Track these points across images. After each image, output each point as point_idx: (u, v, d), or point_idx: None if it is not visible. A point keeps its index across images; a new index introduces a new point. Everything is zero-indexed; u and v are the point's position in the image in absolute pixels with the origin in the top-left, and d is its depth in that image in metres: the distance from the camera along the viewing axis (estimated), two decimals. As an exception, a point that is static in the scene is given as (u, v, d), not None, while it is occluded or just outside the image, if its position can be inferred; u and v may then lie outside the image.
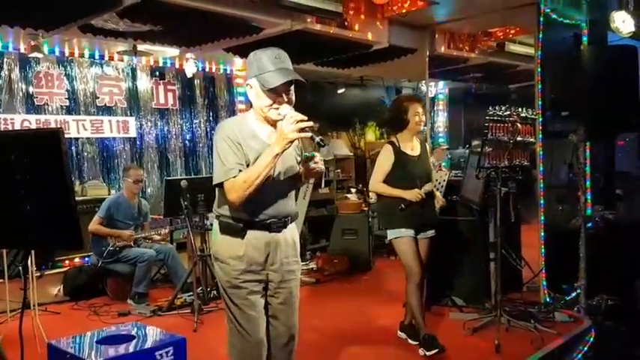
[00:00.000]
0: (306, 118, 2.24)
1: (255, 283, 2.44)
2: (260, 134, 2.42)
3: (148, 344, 2.11)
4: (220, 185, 2.36)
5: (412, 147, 3.94)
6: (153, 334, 2.28)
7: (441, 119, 11.17)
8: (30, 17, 4.42)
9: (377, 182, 3.93)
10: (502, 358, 3.79)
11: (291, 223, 2.55)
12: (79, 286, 5.47)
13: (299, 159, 2.54)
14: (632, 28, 4.41)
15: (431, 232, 3.96)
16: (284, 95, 2.35)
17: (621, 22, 4.36)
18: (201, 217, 5.06)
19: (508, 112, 3.94)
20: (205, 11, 4.51)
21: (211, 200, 2.59)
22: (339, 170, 8.99)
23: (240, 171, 2.31)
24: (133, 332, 2.24)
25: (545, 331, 4.15)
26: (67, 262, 6.02)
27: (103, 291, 5.53)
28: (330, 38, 5.46)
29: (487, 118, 3.85)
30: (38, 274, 5.25)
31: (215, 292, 5.23)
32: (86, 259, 5.99)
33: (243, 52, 5.93)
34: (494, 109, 3.87)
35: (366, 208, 7.03)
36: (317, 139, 2.26)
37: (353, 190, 7.62)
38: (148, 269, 5.36)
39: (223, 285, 2.47)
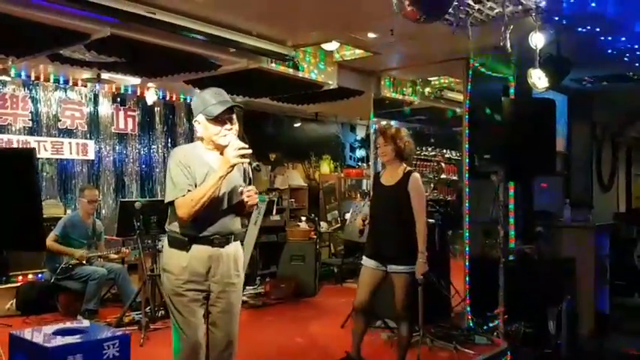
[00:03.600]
0: (247, 146, 2.67)
1: (196, 292, 2.76)
2: (207, 159, 2.81)
3: (98, 337, 2.45)
4: (171, 203, 2.73)
5: (392, 177, 3.93)
6: (102, 330, 2.61)
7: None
8: (3, 45, 4.69)
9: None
10: (422, 373, 4.22)
11: (234, 240, 2.89)
12: (31, 301, 5.64)
13: (243, 182, 2.91)
14: (547, 84, 5.01)
15: (395, 267, 3.81)
16: (228, 122, 2.78)
17: (537, 78, 4.95)
18: (153, 238, 5.30)
19: (434, 153, 4.44)
20: (166, 47, 4.88)
21: (164, 222, 2.92)
22: (292, 199, 9.32)
23: (189, 191, 2.69)
24: (85, 328, 2.57)
25: (463, 351, 4.61)
26: (20, 277, 6.15)
27: (54, 307, 5.68)
28: (283, 77, 5.89)
29: (414, 157, 4.33)
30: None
31: (162, 312, 5.48)
32: (39, 275, 6.15)
33: (202, 85, 6.31)
34: (421, 150, 4.36)
35: (314, 236, 7.40)
36: (254, 164, 2.74)
37: (303, 218, 7.99)
38: (98, 287, 5.56)
39: (168, 293, 2.79)
